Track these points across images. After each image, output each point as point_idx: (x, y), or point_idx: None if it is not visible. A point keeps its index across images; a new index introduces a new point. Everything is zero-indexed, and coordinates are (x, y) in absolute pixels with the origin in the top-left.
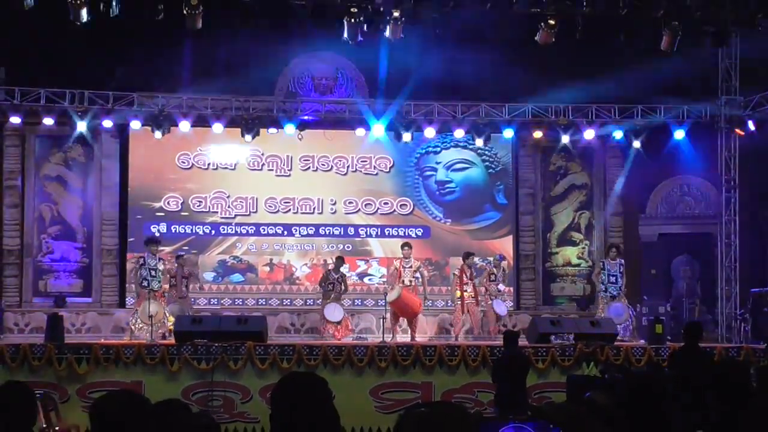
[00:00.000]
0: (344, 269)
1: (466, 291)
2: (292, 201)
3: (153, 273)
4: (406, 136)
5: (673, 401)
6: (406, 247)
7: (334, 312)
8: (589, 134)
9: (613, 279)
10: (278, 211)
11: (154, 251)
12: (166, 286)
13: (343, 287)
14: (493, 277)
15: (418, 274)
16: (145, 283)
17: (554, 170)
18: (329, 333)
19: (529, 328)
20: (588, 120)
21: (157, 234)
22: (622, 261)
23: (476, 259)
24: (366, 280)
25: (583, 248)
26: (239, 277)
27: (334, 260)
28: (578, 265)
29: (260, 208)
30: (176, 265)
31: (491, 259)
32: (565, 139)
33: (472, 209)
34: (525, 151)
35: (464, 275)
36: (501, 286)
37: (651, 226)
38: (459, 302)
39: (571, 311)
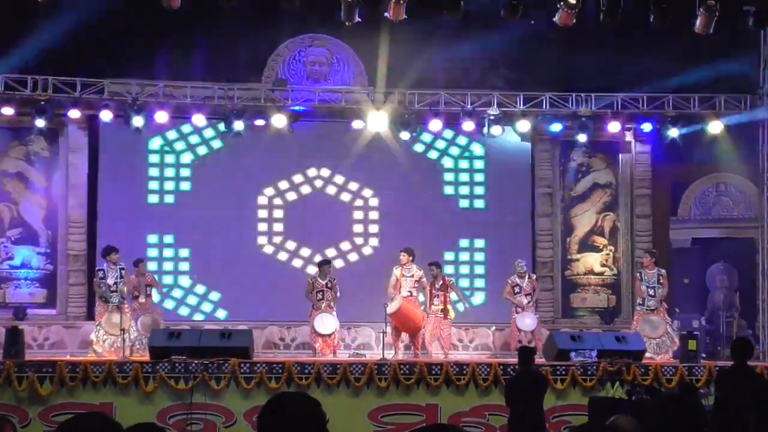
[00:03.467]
0: (333, 273)
1: (435, 303)
2: (284, 199)
3: (113, 287)
4: (408, 131)
5: (711, 426)
6: (405, 254)
7: (323, 323)
8: (614, 127)
9: (651, 291)
10: (273, 209)
11: (113, 261)
12: (141, 300)
13: (333, 294)
14: (517, 289)
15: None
16: (104, 299)
17: (575, 167)
18: (317, 348)
19: (546, 343)
20: (613, 111)
21: None
22: (662, 271)
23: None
24: None
25: (608, 255)
26: None
27: (320, 266)
28: (601, 273)
29: (249, 204)
30: (135, 272)
31: (519, 262)
32: (587, 132)
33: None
34: (542, 145)
35: (432, 286)
36: (525, 299)
37: (684, 230)
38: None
39: (594, 325)
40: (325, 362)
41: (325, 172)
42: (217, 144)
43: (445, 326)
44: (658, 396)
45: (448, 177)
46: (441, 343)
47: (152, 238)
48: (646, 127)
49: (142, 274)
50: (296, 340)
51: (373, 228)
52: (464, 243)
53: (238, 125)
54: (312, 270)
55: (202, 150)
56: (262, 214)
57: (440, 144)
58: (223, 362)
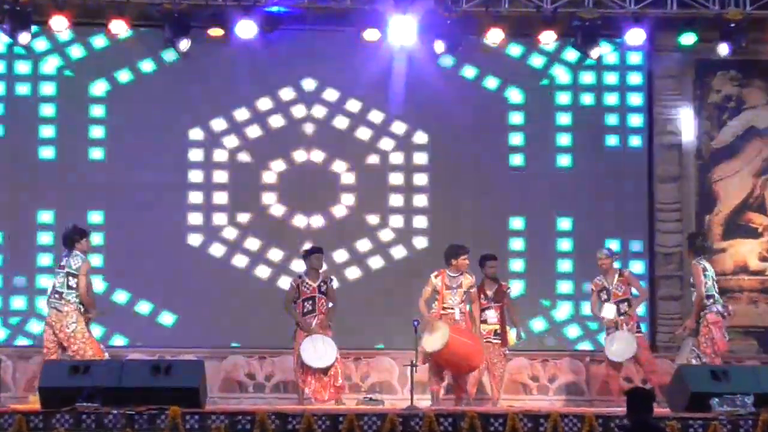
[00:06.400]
0: (327, 271)
1: (485, 321)
2: (252, 155)
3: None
4: (450, 45)
5: None
6: (463, 256)
7: (315, 351)
8: None
9: None
10: (234, 170)
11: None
12: None
13: (329, 304)
14: (604, 295)
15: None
16: None
17: (718, 102)
18: (307, 389)
19: (671, 383)
20: None
21: None
22: None
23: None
24: None
25: None
26: None
27: (307, 257)
28: (761, 272)
29: (194, 163)
30: None
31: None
32: (738, 46)
33: None
34: (665, 68)
35: (482, 294)
36: (609, 310)
37: None
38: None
39: (748, 354)
40: (321, 412)
41: (319, 112)
42: (148, 66)
43: (500, 357)
44: None
45: (516, 118)
46: (492, 382)
47: (44, 216)
48: None
49: None
50: (273, 377)
51: (396, 200)
52: (537, 223)
53: (184, 44)
54: (297, 266)
55: (123, 76)
56: (220, 177)
57: (502, 66)
58: (158, 412)
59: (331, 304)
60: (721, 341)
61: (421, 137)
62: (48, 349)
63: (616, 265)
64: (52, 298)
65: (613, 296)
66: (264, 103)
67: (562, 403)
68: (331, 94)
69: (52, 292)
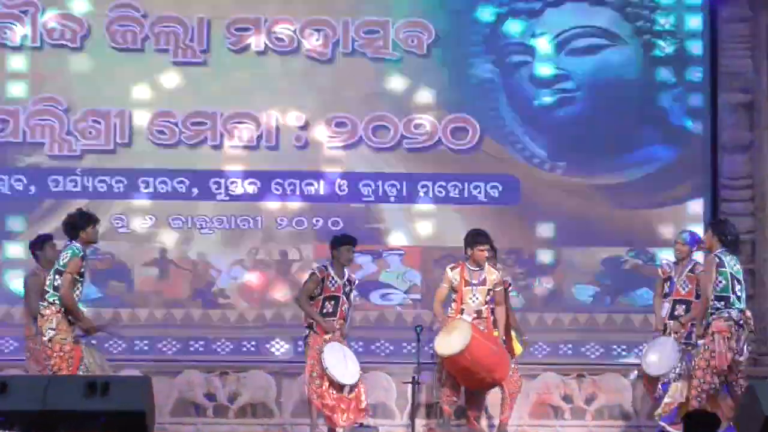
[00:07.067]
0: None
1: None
2: (213, 119)
3: None
4: None
5: None
6: (481, 247)
7: (344, 361)
8: None
9: None
10: (179, 143)
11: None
12: None
13: (348, 306)
14: (668, 286)
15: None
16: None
17: None
18: (339, 410)
19: (742, 404)
20: None
21: None
22: None
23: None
24: (379, 298)
25: None
26: (93, 289)
27: (336, 247)
28: None
29: (141, 135)
30: None
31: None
32: None
33: (612, 140)
34: (732, 10)
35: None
36: (664, 306)
37: None
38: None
39: None
40: None
41: (274, 62)
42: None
43: (513, 369)
44: None
45: (545, 69)
46: (504, 400)
47: None
48: None
49: None
50: (239, 397)
51: (393, 185)
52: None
53: None
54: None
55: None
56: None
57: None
58: None
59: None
60: (721, 356)
61: None
62: (30, 370)
63: (699, 256)
64: (39, 301)
65: (675, 290)
66: None
67: (602, 430)
68: None
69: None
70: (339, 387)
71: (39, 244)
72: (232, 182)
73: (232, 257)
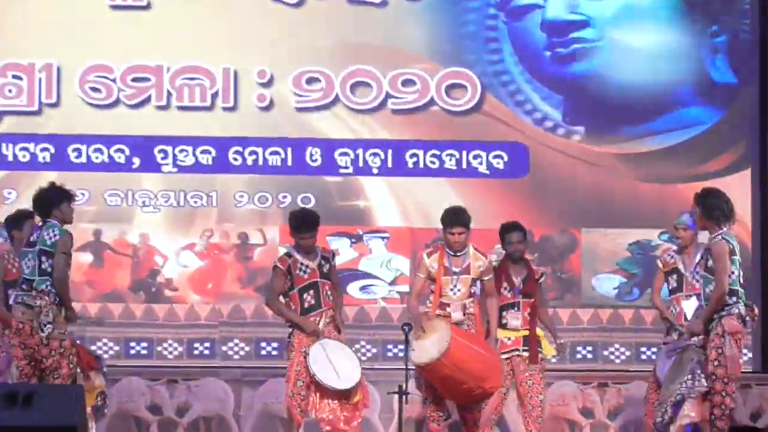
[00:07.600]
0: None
1: (509, 323)
2: (158, 73)
3: None
4: None
5: None
6: (458, 228)
7: (334, 362)
8: None
9: None
10: (120, 102)
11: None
12: None
13: (337, 294)
14: (674, 281)
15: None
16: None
17: None
18: (338, 418)
19: None
20: None
21: None
22: None
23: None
24: (358, 290)
25: None
26: None
27: (295, 226)
28: None
29: (71, 94)
30: None
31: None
32: None
33: (640, 101)
34: None
35: (508, 281)
36: (690, 306)
37: None
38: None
39: None
40: None
41: (232, 4)
42: None
43: (536, 379)
44: None
45: (558, 13)
46: (527, 418)
47: None
48: None
49: None
50: (190, 409)
51: (376, 155)
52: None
53: None
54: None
55: None
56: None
57: None
58: None
59: (338, 296)
60: (734, 362)
61: None
62: (22, 374)
63: (703, 239)
64: (20, 290)
65: (686, 285)
66: None
67: None
68: None
69: (19, 284)
70: (335, 394)
71: (19, 222)
72: (182, 150)
73: (181, 241)
